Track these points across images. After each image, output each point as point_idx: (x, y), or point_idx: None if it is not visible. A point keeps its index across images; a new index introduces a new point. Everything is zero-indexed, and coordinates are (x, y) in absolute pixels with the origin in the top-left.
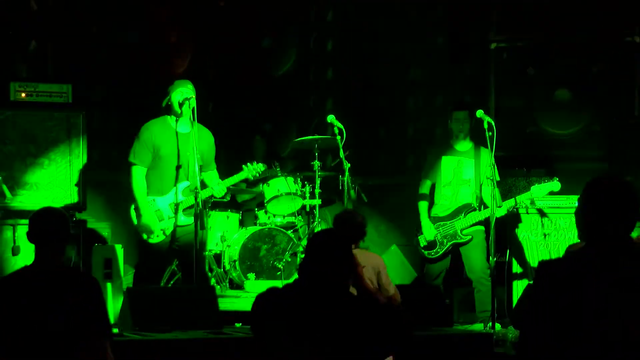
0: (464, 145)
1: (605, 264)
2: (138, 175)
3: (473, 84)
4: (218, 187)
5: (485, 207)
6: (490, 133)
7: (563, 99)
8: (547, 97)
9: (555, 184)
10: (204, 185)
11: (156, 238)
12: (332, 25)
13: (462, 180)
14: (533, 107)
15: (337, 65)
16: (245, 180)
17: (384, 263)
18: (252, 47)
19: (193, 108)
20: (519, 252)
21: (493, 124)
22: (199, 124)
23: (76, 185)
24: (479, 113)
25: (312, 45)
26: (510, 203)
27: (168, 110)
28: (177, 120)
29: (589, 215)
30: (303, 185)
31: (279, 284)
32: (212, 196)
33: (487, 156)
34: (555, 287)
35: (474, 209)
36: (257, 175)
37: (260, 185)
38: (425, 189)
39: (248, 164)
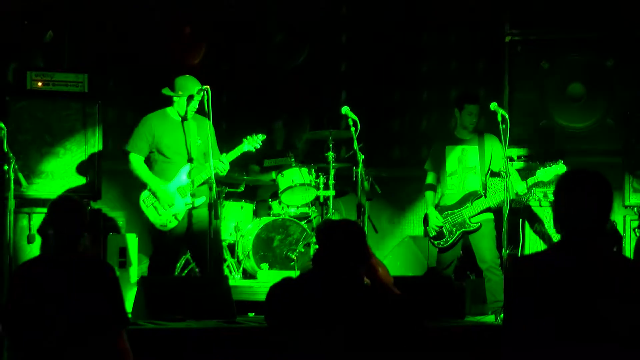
0: (467, 134)
1: (578, 260)
2: (136, 160)
3: (487, 77)
4: (220, 163)
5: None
6: (504, 126)
7: (577, 92)
8: (560, 90)
9: (560, 167)
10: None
11: (169, 224)
12: (346, 17)
13: (468, 167)
14: (546, 101)
15: (351, 58)
16: (251, 157)
17: None
18: (266, 39)
19: (204, 99)
20: (531, 244)
21: (507, 116)
22: (196, 114)
23: (91, 174)
24: (493, 106)
25: (326, 38)
26: (518, 188)
27: (169, 101)
28: (184, 119)
29: (562, 207)
30: (317, 176)
31: (292, 274)
32: (217, 175)
33: (491, 142)
34: (531, 283)
35: (481, 196)
36: (258, 145)
37: (274, 173)
38: (430, 179)
39: (248, 136)
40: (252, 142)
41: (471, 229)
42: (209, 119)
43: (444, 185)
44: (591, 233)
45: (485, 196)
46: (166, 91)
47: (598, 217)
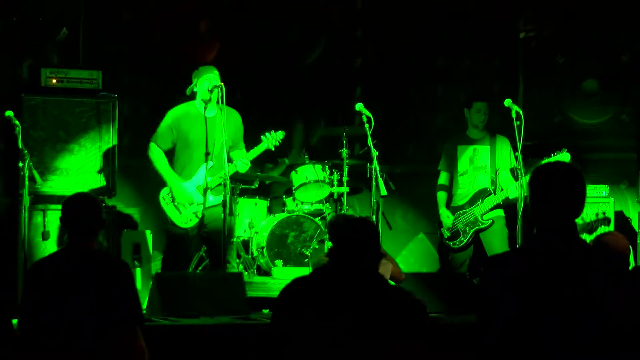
0: (479, 133)
1: (551, 256)
2: (155, 151)
3: (501, 73)
4: (240, 162)
5: (501, 190)
6: (518, 122)
7: (591, 88)
8: (575, 86)
9: (564, 155)
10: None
11: (189, 222)
12: (361, 13)
13: (479, 167)
14: (561, 97)
15: (366, 54)
16: (270, 154)
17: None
18: (281, 35)
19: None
20: None
21: (521, 113)
22: (228, 106)
23: (106, 171)
24: (507, 102)
25: (341, 33)
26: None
27: (193, 96)
28: (205, 107)
29: (533, 200)
30: (331, 173)
31: (306, 271)
32: (237, 172)
33: (502, 144)
34: (504, 283)
35: (490, 193)
36: (278, 143)
37: (287, 161)
38: (443, 180)
39: (266, 133)
40: (271, 140)
41: (483, 226)
42: (219, 111)
43: (455, 185)
44: (560, 227)
45: (495, 193)
46: (188, 90)
47: (567, 208)
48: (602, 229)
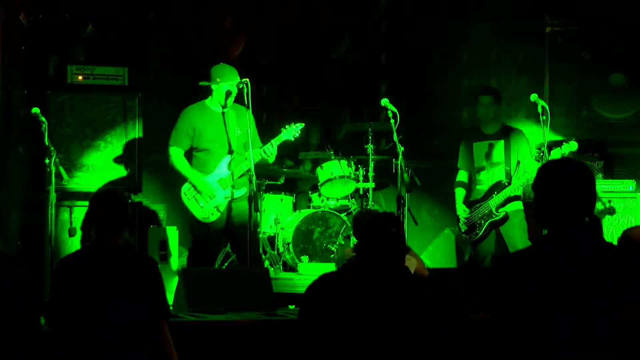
0: (493, 128)
1: (563, 254)
2: (176, 154)
3: (527, 67)
4: (268, 147)
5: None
6: (544, 117)
7: (618, 83)
8: (601, 81)
9: (572, 144)
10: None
11: (211, 216)
12: (386, 8)
13: (495, 162)
14: (587, 91)
15: (391, 49)
16: (291, 152)
17: None
18: (306, 31)
19: (243, 91)
20: None
21: (547, 107)
22: (235, 103)
23: (131, 167)
24: (533, 97)
25: (365, 29)
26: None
27: (208, 92)
28: (224, 107)
29: (543, 198)
30: (357, 169)
31: (332, 266)
32: (266, 163)
33: (517, 137)
34: (514, 282)
35: (505, 186)
36: (297, 134)
37: (308, 164)
38: (461, 177)
39: (286, 125)
40: (291, 131)
41: (497, 218)
42: (248, 110)
43: (474, 181)
44: (573, 225)
45: (510, 185)
46: (203, 83)
47: (577, 206)
48: (607, 219)
